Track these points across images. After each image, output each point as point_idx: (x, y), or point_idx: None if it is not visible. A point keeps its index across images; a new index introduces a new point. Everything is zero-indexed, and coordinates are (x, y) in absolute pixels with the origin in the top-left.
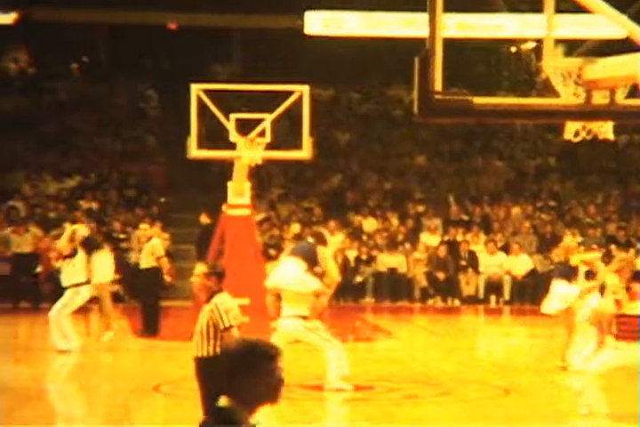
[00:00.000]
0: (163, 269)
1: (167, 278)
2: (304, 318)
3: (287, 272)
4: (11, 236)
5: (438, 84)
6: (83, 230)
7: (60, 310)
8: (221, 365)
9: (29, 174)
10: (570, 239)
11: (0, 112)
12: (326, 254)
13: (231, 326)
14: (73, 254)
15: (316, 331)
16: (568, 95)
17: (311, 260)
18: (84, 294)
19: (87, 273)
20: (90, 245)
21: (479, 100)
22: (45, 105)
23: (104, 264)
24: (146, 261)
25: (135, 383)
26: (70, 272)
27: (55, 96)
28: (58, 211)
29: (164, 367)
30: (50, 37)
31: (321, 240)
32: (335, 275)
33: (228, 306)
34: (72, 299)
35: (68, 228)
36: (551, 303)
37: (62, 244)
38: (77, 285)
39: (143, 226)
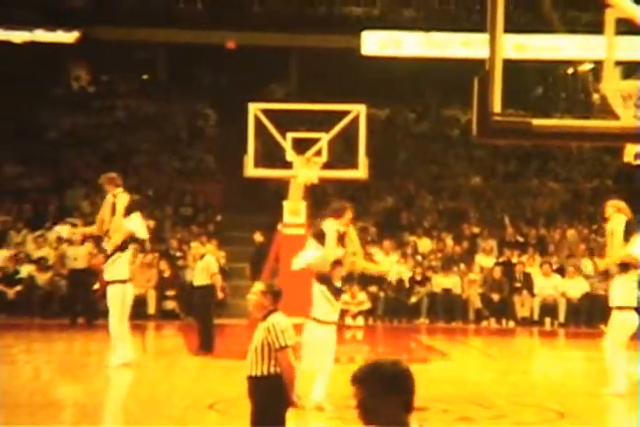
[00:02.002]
0: (216, 286)
1: (219, 296)
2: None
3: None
4: (67, 251)
5: (497, 106)
6: (123, 197)
7: (118, 322)
8: (369, 386)
9: (89, 192)
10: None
11: (60, 129)
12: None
13: (286, 346)
14: (118, 249)
15: None
16: (628, 117)
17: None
18: (129, 293)
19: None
20: (130, 210)
21: (538, 122)
22: (105, 123)
23: (139, 223)
24: (199, 279)
25: (190, 401)
26: (112, 268)
27: (115, 114)
28: None
29: (219, 386)
30: (110, 56)
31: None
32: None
33: (284, 326)
34: (119, 304)
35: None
36: None
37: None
38: (119, 282)
39: (194, 244)
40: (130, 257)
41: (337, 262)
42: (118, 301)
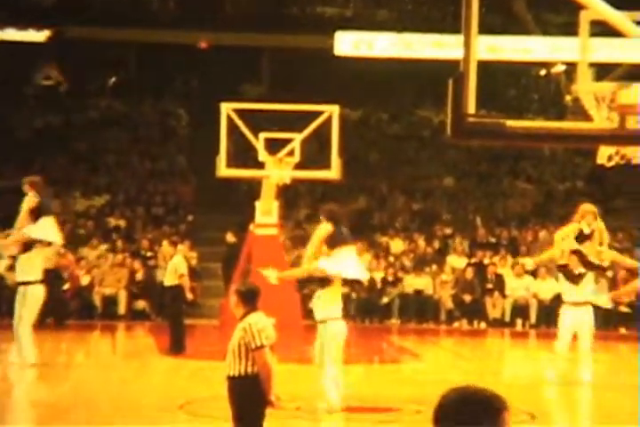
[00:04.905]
0: (184, 286)
1: (189, 296)
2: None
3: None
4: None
5: (471, 107)
6: (29, 200)
7: (27, 323)
8: (441, 412)
9: (59, 191)
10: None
11: (31, 129)
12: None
13: (263, 346)
14: (29, 247)
15: None
16: (602, 119)
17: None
18: (38, 294)
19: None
20: (38, 213)
21: (511, 123)
22: (76, 122)
23: (49, 227)
24: (169, 279)
25: (161, 402)
26: (24, 269)
27: (85, 114)
28: (86, 228)
29: (189, 386)
30: (81, 55)
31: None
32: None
33: (261, 326)
34: (27, 304)
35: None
36: None
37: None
38: (29, 283)
39: (165, 243)
40: (41, 258)
41: None
42: (32, 302)
